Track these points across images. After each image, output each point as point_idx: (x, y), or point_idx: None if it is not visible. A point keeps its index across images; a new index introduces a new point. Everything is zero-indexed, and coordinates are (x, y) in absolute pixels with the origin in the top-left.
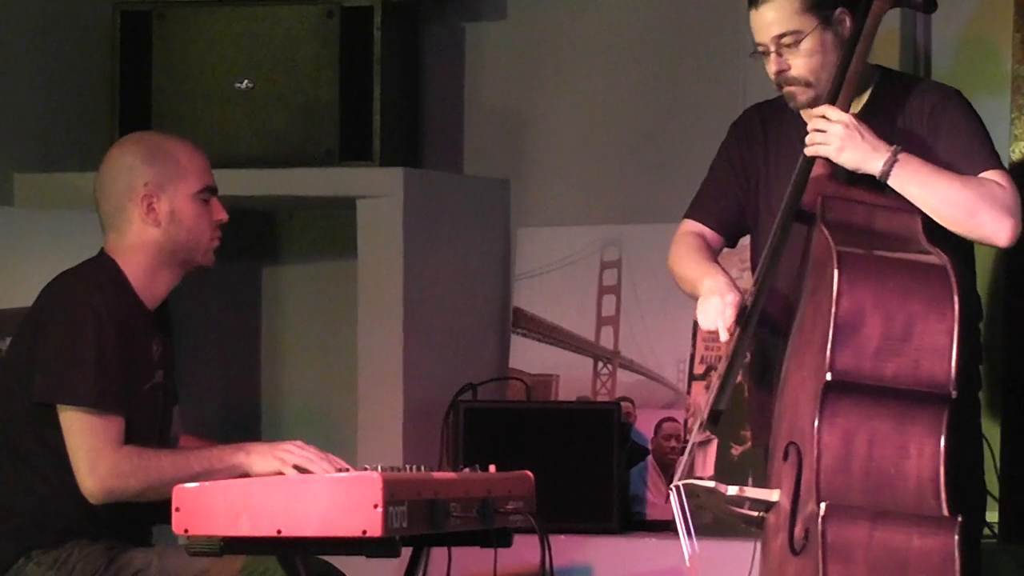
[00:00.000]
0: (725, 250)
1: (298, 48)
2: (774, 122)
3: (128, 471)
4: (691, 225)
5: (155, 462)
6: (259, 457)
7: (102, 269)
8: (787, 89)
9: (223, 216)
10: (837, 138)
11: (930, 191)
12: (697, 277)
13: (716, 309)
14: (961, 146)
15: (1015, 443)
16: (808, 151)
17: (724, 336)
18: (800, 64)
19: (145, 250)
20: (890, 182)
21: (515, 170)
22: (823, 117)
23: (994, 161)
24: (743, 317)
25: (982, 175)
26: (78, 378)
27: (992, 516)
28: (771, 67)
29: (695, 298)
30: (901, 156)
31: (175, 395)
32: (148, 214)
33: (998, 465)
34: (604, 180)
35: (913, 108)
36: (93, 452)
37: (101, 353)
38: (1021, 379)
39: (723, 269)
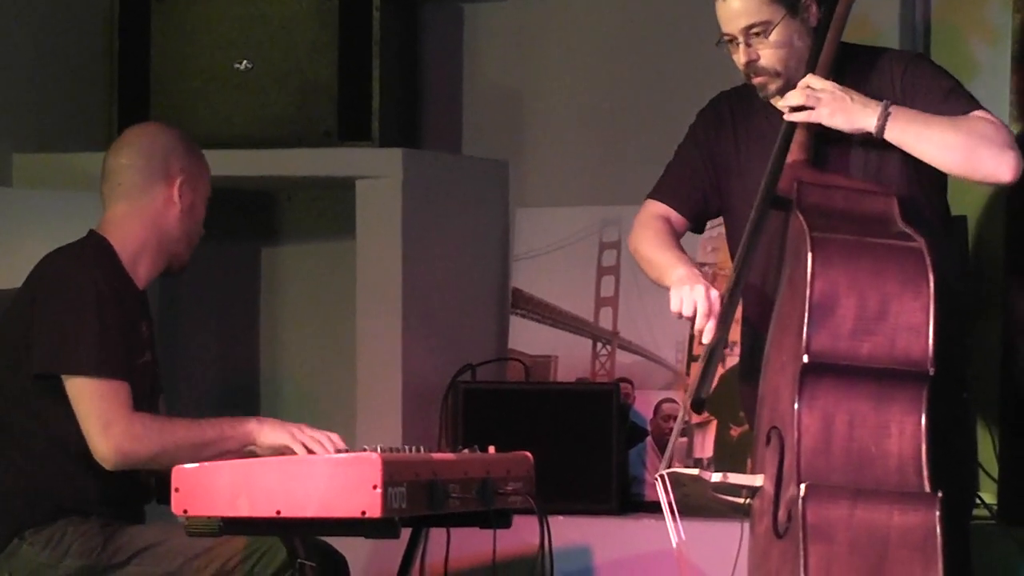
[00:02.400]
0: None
1: (297, 28)
2: (744, 112)
3: (142, 434)
4: (657, 207)
5: (168, 426)
6: (270, 428)
7: (94, 247)
8: (757, 79)
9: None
10: (827, 103)
11: (926, 138)
12: (666, 265)
13: (697, 296)
14: (941, 100)
15: (1014, 424)
16: (798, 117)
17: (708, 336)
18: (769, 54)
19: (151, 230)
20: (886, 136)
21: (514, 151)
22: (808, 87)
23: (975, 104)
24: (722, 307)
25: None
26: (82, 346)
27: (991, 497)
28: (740, 57)
29: (660, 284)
30: (893, 109)
31: (160, 383)
32: (180, 198)
33: (997, 446)
34: (603, 160)
35: (882, 78)
36: (106, 416)
37: (102, 321)
38: (1020, 359)
39: (690, 259)
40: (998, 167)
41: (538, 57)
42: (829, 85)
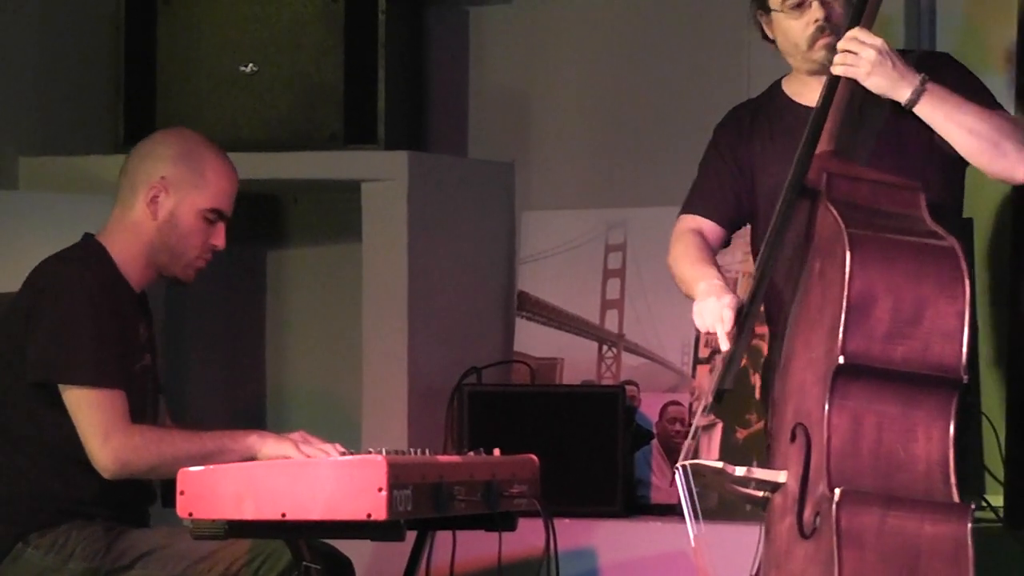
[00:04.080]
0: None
1: (303, 31)
2: (764, 116)
3: (141, 445)
4: (689, 221)
5: (168, 437)
6: (274, 441)
7: (88, 250)
8: (823, 40)
9: (220, 243)
10: (868, 62)
11: (956, 120)
12: (693, 279)
13: (713, 312)
14: (968, 99)
15: (1021, 427)
16: (837, 70)
17: (724, 344)
18: (839, 11)
19: (135, 236)
20: (917, 110)
21: (519, 153)
22: (855, 39)
23: (1000, 107)
24: (742, 315)
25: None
26: (77, 356)
27: (997, 500)
28: (813, 15)
29: (691, 298)
30: (929, 85)
31: (161, 385)
32: (149, 205)
33: (1003, 449)
34: (608, 163)
35: None
36: (104, 426)
37: (98, 329)
38: None
39: (719, 272)
40: (1017, 164)
41: (543, 60)
42: (878, 42)
